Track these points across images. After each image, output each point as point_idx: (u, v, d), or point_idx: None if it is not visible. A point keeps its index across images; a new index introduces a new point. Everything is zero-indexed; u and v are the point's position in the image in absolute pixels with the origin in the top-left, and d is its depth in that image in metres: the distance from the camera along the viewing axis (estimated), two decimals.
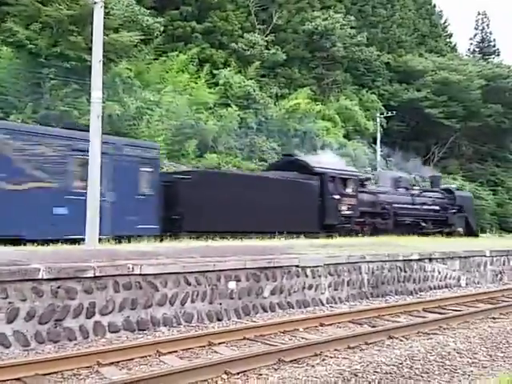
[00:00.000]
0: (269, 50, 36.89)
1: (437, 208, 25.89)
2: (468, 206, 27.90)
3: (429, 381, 5.85)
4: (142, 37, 28.74)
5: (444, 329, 8.59)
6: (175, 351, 6.86)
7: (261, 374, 6.02)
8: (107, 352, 6.47)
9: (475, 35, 68.61)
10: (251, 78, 33.48)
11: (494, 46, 68.32)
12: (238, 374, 5.97)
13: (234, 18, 37.05)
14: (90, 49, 13.27)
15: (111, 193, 14.61)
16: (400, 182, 25.21)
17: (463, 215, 27.04)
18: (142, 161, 15.90)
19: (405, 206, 23.95)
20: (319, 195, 20.21)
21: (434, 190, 27.64)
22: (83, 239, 12.05)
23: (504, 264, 16.24)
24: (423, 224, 24.65)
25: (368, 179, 23.69)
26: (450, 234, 25.08)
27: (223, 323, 8.86)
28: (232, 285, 9.35)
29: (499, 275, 15.99)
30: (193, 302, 8.80)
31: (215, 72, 32.48)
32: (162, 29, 30.62)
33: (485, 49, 67.31)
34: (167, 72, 29.81)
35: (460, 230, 26.45)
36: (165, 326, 8.30)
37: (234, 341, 7.52)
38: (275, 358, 6.49)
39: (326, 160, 22.93)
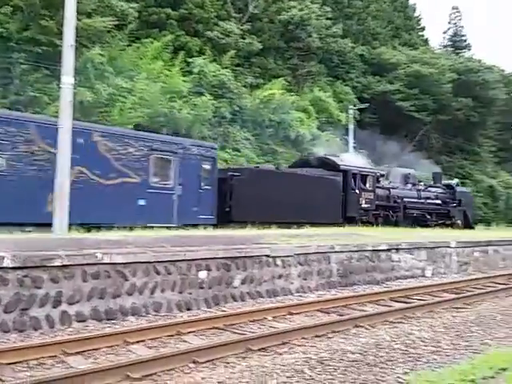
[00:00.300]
0: (244, 39, 36.62)
1: (439, 202, 28.48)
2: (466, 201, 30.55)
3: (393, 368, 5.98)
4: (116, 22, 28.15)
5: (409, 318, 8.79)
6: (143, 340, 6.86)
7: (228, 363, 6.08)
8: (73, 341, 6.43)
9: (448, 29, 69.58)
10: (226, 67, 33.19)
11: (466, 40, 69.39)
12: (206, 362, 6.03)
13: (210, 6, 36.57)
14: (62, 33, 12.99)
15: (179, 187, 17.08)
16: (408, 179, 27.98)
17: (462, 209, 29.63)
18: (204, 159, 18.28)
19: (413, 200, 26.52)
20: (342, 190, 22.61)
21: (436, 185, 30.01)
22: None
23: (469, 255, 16.66)
24: (428, 216, 27.22)
25: (382, 175, 26.05)
26: (450, 226, 27.99)
27: (192, 313, 8.89)
28: (202, 274, 9.37)
29: (464, 266, 16.41)
30: (162, 291, 8.79)
31: (190, 60, 32.05)
32: (136, 14, 30.04)
33: (457, 43, 68.25)
34: (141, 59, 29.31)
35: (459, 222, 29.02)
36: (133, 315, 8.28)
37: (202, 330, 7.56)
38: (243, 346, 6.56)
39: (348, 158, 25.89)
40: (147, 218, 15.57)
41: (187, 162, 17.54)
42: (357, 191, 22.98)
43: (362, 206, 23.14)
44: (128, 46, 29.60)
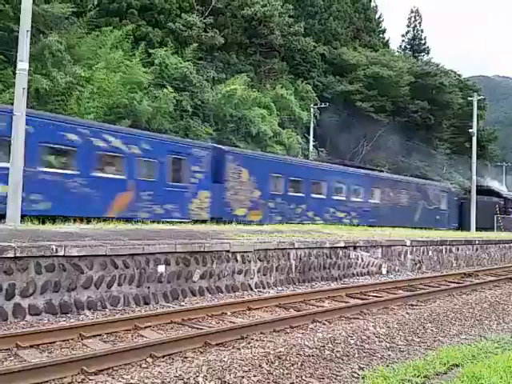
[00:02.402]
0: (207, 32, 36.34)
1: None
2: None
3: (349, 363, 6.07)
4: (75, 9, 27.44)
5: (365, 314, 8.96)
6: (99, 335, 6.73)
7: (186, 357, 6.04)
8: (27, 334, 6.24)
9: (407, 32, 71.14)
10: (188, 60, 32.86)
11: (425, 43, 71.20)
12: (163, 357, 5.97)
13: None
14: (19, 18, 12.53)
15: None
16: None
17: None
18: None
19: None
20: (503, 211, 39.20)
21: None
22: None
23: (423, 253, 17.15)
24: None
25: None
26: None
27: (150, 307, 8.78)
28: (161, 268, 9.27)
29: (418, 264, 16.88)
30: (120, 285, 8.64)
31: (151, 51, 31.57)
32: (96, 2, 29.36)
33: (415, 46, 69.96)
34: (100, 48, 28.61)
35: None
36: (89, 309, 8.11)
37: (160, 324, 7.48)
38: (201, 341, 6.53)
39: (497, 186, 42.95)
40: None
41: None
42: (510, 210, 40.16)
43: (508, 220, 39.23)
44: (87, 33, 28.85)
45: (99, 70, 26.44)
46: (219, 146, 22.12)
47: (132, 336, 6.89)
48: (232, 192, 20.73)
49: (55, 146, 15.31)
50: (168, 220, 17.53)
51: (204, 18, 37.06)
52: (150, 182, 17.66)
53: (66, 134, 15.36)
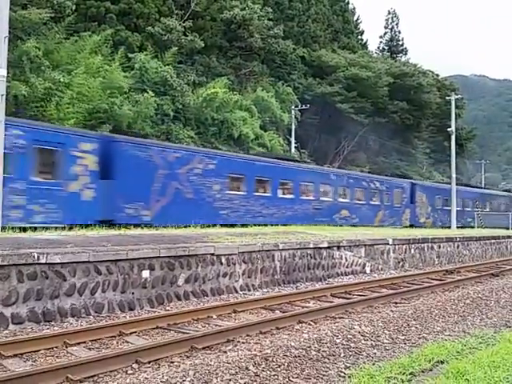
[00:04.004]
0: (186, 36, 36.27)
1: None
2: None
3: (335, 363, 6.09)
4: (53, 14, 27.15)
5: (350, 313, 9.02)
6: (83, 342, 6.67)
7: (172, 362, 6.02)
8: (10, 343, 6.16)
9: (385, 34, 71.93)
10: (168, 64, 32.77)
11: (402, 44, 72.07)
12: (149, 362, 5.94)
13: (151, 1, 35.99)
14: None
15: None
16: None
17: None
18: None
19: None
20: None
21: None
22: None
23: (405, 252, 17.32)
24: None
25: None
26: None
27: (135, 313, 8.72)
28: (145, 274, 9.21)
29: (401, 262, 17.05)
30: (103, 291, 8.57)
31: (130, 56, 31.41)
32: (74, 7, 29.05)
33: (393, 47, 70.74)
34: (79, 53, 28.36)
35: None
36: (73, 316, 8.03)
37: (146, 330, 7.44)
38: (187, 345, 6.51)
39: None
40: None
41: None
42: None
43: None
44: (65, 39, 28.59)
45: (78, 75, 26.21)
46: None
47: (117, 342, 6.84)
48: None
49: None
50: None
51: (183, 22, 37.00)
52: None
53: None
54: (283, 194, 24.39)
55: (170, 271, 9.63)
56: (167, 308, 9.16)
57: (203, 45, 37.37)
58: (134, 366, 5.81)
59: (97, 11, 32.61)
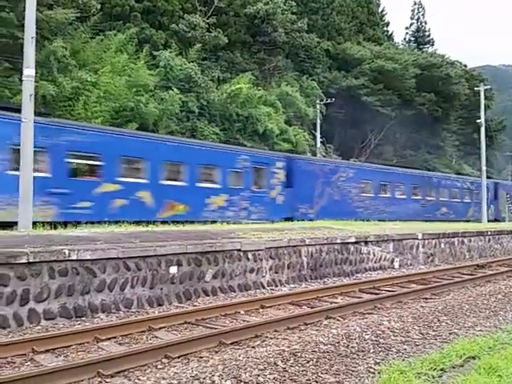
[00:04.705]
0: (210, 32, 36.33)
1: None
2: None
3: (364, 358, 6.04)
4: (78, 14, 27.55)
5: (379, 308, 8.93)
6: (114, 337, 6.76)
7: (201, 357, 6.05)
8: (42, 339, 6.29)
9: (411, 25, 70.75)
10: (192, 61, 32.90)
11: (429, 35, 70.77)
12: (179, 357, 5.98)
13: None
14: (23, 26, 12.61)
15: None
16: None
17: None
18: None
19: None
20: None
21: None
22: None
23: (435, 246, 17.04)
24: None
25: None
26: None
27: (164, 308, 8.81)
28: (173, 269, 9.29)
29: (430, 257, 16.79)
30: (132, 287, 8.68)
31: (155, 53, 31.66)
32: (99, 6, 29.41)
33: (420, 38, 69.51)
34: (105, 52, 28.74)
35: None
36: (103, 312, 8.15)
37: (174, 325, 7.51)
38: (216, 340, 6.54)
39: None
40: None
41: None
42: None
43: None
44: (91, 38, 28.99)
45: (105, 74, 26.56)
46: None
47: (147, 337, 6.92)
48: None
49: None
50: None
51: (207, 18, 37.06)
52: None
53: None
54: (399, 195, 29.97)
55: (198, 267, 9.70)
56: (195, 303, 9.22)
57: (227, 41, 37.38)
58: (163, 360, 5.86)
59: (121, 10, 32.93)
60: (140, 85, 28.30)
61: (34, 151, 12.28)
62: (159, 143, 18.35)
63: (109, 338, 6.69)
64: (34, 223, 11.95)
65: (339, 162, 28.90)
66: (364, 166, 29.17)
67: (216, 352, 6.27)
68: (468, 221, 33.22)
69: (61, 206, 15.12)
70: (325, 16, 51.26)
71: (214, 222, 18.18)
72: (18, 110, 12.22)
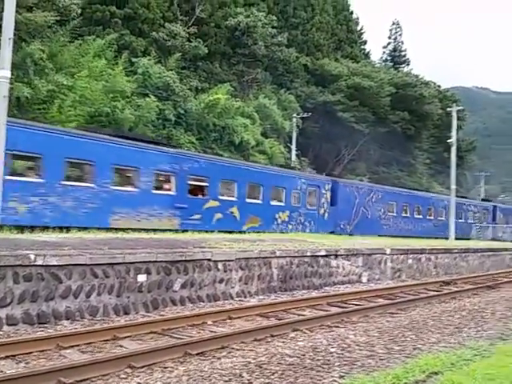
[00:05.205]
0: (190, 42, 36.39)
1: None
2: None
3: (329, 372, 6.06)
4: (58, 18, 27.28)
5: (345, 322, 9.00)
6: (77, 345, 6.65)
7: (166, 368, 6.00)
8: (3, 345, 6.16)
9: (388, 44, 72.11)
10: (171, 69, 32.87)
11: (405, 55, 72.20)
12: (143, 367, 5.92)
13: (156, 7, 36.14)
14: (1, 26, 12.43)
15: None
16: None
17: None
18: None
19: None
20: None
21: None
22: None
23: (403, 262, 17.28)
24: None
25: None
26: None
27: (130, 317, 8.70)
28: (142, 278, 9.21)
29: (398, 272, 17.01)
30: (99, 294, 8.56)
31: (134, 60, 31.53)
32: (79, 11, 29.19)
33: (396, 58, 70.88)
34: (83, 56, 28.46)
35: None
36: (67, 319, 8.02)
37: (140, 334, 7.43)
38: (181, 351, 6.50)
39: None
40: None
41: None
42: None
43: None
44: (70, 42, 28.70)
45: (81, 78, 26.29)
46: None
47: (111, 346, 6.82)
48: None
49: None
50: None
51: (188, 28, 37.13)
52: None
53: None
54: (417, 214, 33.67)
55: (167, 276, 9.63)
56: (162, 313, 9.14)
57: (207, 51, 37.49)
58: (127, 370, 5.79)
59: (102, 15, 32.74)
60: (117, 90, 28.11)
61: (167, 175, 17.69)
62: (246, 169, 22.45)
63: (72, 346, 6.58)
64: (1, 227, 11.70)
65: (372, 186, 31.92)
66: (388, 189, 32.48)
67: (181, 363, 6.23)
68: (469, 239, 35.50)
69: (181, 217, 18.42)
70: (304, 32, 51.88)
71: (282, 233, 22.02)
72: None
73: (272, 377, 5.72)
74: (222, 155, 29.37)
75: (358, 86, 48.31)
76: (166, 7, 37.35)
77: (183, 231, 15.90)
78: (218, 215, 19.87)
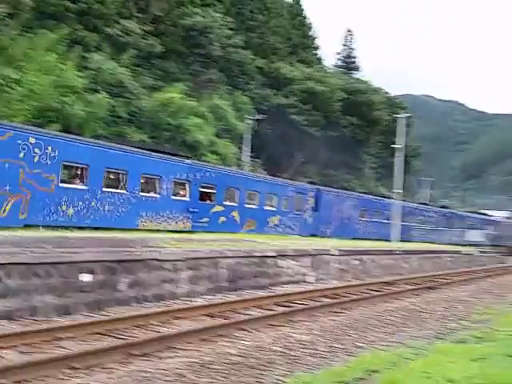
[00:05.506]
0: (145, 39, 35.92)
1: None
2: None
3: (272, 370, 6.15)
4: (10, 11, 26.32)
5: (291, 321, 9.13)
6: (15, 346, 6.46)
7: (107, 368, 5.92)
8: None
9: (342, 50, 73.52)
10: (125, 66, 32.31)
11: (357, 62, 73.83)
12: (83, 368, 5.82)
13: (111, 3, 35.44)
14: None
15: None
16: None
17: None
18: None
19: None
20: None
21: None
22: None
23: (348, 263, 17.67)
24: None
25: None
26: None
27: (73, 317, 8.51)
28: (86, 277, 9.02)
29: (343, 273, 17.38)
30: (40, 294, 8.32)
31: (86, 55, 30.80)
32: (32, 4, 28.23)
33: (349, 64, 72.36)
34: (33, 50, 27.53)
35: None
36: (7, 319, 7.76)
37: (82, 335, 7.28)
38: (124, 351, 6.43)
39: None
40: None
41: None
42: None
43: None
44: (19, 35, 27.70)
45: (30, 72, 25.44)
46: None
47: (51, 347, 6.66)
48: None
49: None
50: None
51: (143, 25, 36.60)
52: None
53: None
54: (384, 219, 35.42)
55: (112, 276, 9.47)
56: (107, 313, 8.98)
57: (162, 49, 37.11)
58: (67, 371, 5.68)
59: (56, 9, 31.77)
60: (67, 85, 27.35)
61: (183, 183, 20.13)
62: (246, 178, 25.02)
63: (10, 347, 6.39)
64: None
65: (348, 193, 34.03)
66: (361, 196, 34.81)
67: (124, 363, 6.16)
68: (433, 242, 37.24)
69: (193, 220, 20.52)
70: (261, 35, 52.19)
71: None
72: None
73: (216, 376, 5.75)
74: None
75: (311, 91, 49.07)
76: (121, 3, 36.67)
77: (136, 230, 16.46)
78: (222, 218, 21.99)
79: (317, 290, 13.15)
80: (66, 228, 14.61)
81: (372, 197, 36.75)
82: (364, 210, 33.62)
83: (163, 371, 5.80)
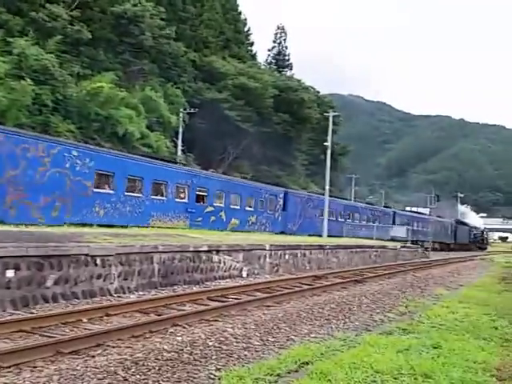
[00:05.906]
0: (73, 25, 34.46)
1: None
2: None
3: (206, 365, 6.15)
4: None
5: (224, 316, 9.18)
6: None
7: (35, 367, 5.71)
8: None
9: (273, 47, 74.26)
10: (51, 52, 30.85)
11: (289, 59, 74.94)
12: (10, 367, 5.58)
13: None
14: None
15: None
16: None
17: None
18: None
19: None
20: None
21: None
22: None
23: (280, 257, 18.01)
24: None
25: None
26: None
27: None
28: (9, 273, 8.59)
29: (276, 267, 17.70)
30: None
31: (9, 40, 29.11)
32: None
33: (280, 61, 73.32)
34: None
35: None
36: None
37: (7, 333, 6.96)
38: (53, 349, 6.21)
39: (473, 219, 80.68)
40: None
41: None
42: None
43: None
44: None
45: None
46: None
47: None
48: None
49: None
50: None
51: (70, 11, 35.11)
52: None
53: None
54: (340, 218, 40.52)
55: (38, 271, 9.08)
56: (33, 311, 8.61)
57: (90, 36, 35.77)
58: None
59: None
60: None
61: (183, 187, 23.49)
62: (234, 183, 28.78)
63: None
64: None
65: (311, 194, 38.96)
66: (320, 198, 38.06)
67: (52, 362, 5.96)
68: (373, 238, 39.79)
69: (190, 219, 23.73)
70: (193, 27, 51.67)
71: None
72: None
73: (148, 373, 5.68)
74: (103, 146, 28.24)
75: (244, 86, 49.32)
76: None
77: (82, 225, 17.26)
78: (213, 218, 25.31)
79: (250, 285, 13.29)
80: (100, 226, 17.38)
81: (332, 198, 39.87)
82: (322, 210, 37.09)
83: (94, 369, 5.65)
